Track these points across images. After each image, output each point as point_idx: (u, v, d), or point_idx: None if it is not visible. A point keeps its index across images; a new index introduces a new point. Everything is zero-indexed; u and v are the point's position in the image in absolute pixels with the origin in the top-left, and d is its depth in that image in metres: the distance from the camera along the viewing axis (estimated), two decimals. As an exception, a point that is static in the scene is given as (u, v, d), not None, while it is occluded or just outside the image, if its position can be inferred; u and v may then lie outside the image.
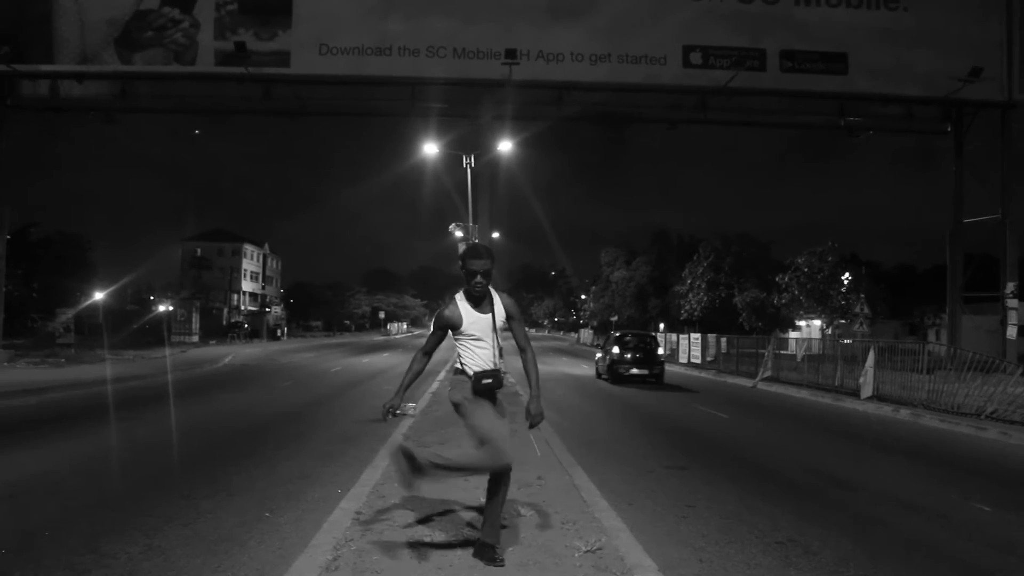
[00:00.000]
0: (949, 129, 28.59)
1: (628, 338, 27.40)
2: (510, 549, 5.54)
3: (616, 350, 26.03)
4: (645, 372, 25.64)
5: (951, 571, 6.05)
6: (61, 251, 53.64)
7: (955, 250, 28.54)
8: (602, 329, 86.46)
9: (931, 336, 48.73)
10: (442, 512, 6.60)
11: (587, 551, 5.51)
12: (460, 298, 5.30)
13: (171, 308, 61.87)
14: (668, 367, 29.82)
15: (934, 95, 26.87)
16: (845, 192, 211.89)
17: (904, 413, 17.08)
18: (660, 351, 27.72)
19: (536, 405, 5.26)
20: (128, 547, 5.89)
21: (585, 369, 34.45)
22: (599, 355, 29.58)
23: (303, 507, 7.26)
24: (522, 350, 5.44)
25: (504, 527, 5.73)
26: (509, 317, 5.36)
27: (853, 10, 26.50)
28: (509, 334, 5.38)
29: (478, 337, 5.27)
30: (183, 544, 6.02)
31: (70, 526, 6.50)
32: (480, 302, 5.28)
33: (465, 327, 5.25)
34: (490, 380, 5.23)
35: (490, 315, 5.27)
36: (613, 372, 25.64)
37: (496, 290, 5.37)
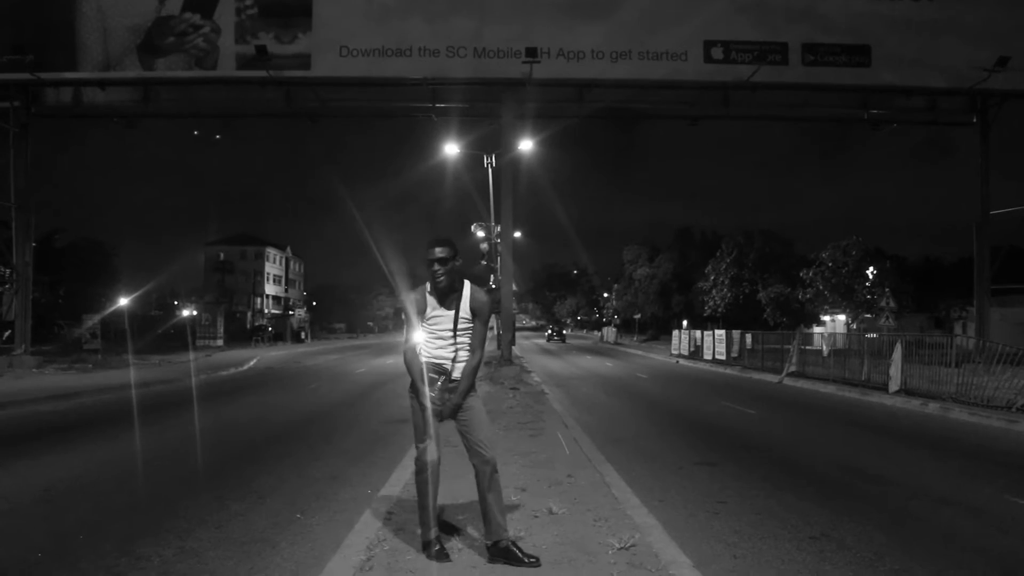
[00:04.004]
0: (975, 120, 28.31)
1: (552, 328, 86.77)
2: (544, 547, 5.52)
3: (550, 331, 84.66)
4: (558, 339, 78.40)
5: (988, 565, 5.97)
6: (86, 257, 53.89)
7: (982, 242, 28.29)
8: (625, 327, 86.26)
9: (957, 329, 48.21)
10: (474, 511, 6.58)
11: (621, 548, 5.48)
12: (427, 289, 5.28)
13: (195, 312, 62.18)
14: (692, 363, 38.40)
15: (959, 86, 26.55)
16: (863, 185, 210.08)
17: (933, 407, 16.90)
18: (565, 332, 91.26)
19: (455, 397, 5.17)
20: (161, 550, 5.92)
21: (610, 367, 34.40)
22: (546, 334, 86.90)
23: (334, 508, 7.27)
24: (471, 351, 5.28)
25: (455, 528, 5.81)
26: (474, 314, 5.26)
27: (876, 1, 26.24)
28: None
29: (438, 333, 5.25)
30: (215, 546, 6.04)
31: (104, 529, 6.54)
32: (445, 296, 5.24)
33: (426, 317, 5.26)
34: (433, 375, 5.20)
35: (453, 312, 5.22)
36: (548, 339, 79.07)
37: (473, 286, 5.30)
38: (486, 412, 5.50)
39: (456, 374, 5.24)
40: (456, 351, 5.24)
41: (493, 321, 45.64)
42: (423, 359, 5.25)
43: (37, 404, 16.76)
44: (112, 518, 6.96)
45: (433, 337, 5.27)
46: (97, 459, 10.18)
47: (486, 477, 5.16)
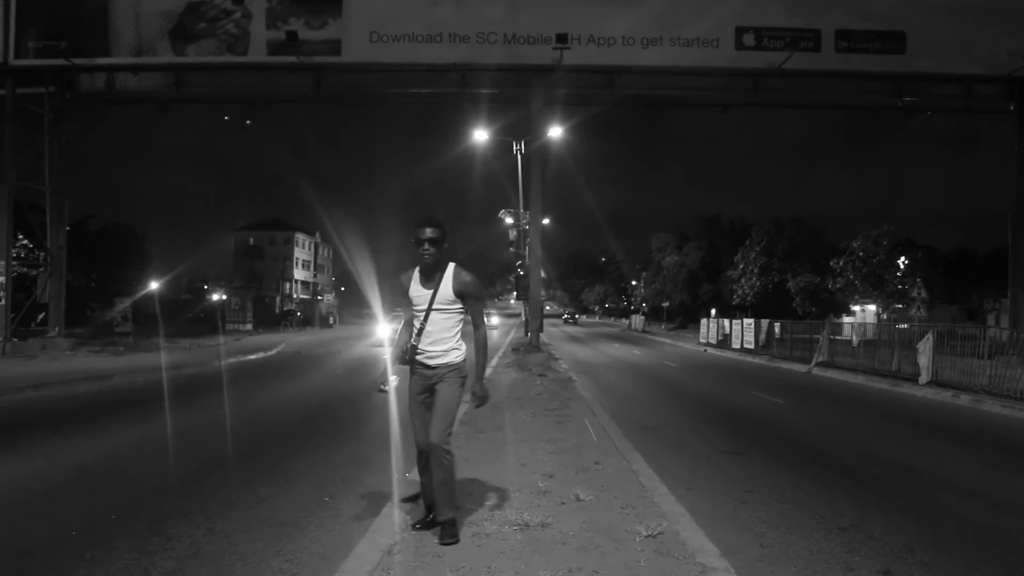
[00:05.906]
0: (1012, 108, 27.79)
1: (567, 315, 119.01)
2: (571, 533, 5.52)
3: (566, 316, 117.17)
4: (572, 322, 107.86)
5: (1020, 559, 5.91)
6: (117, 241, 54.39)
7: (1017, 232, 27.83)
8: (653, 315, 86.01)
9: (990, 321, 47.63)
10: (500, 496, 6.60)
11: (648, 535, 5.48)
12: (417, 269, 5.42)
13: (224, 297, 62.75)
14: (721, 352, 38.20)
15: (997, 73, 26.06)
16: (893, 174, 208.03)
17: (964, 399, 16.73)
18: (577, 316, 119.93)
19: (480, 387, 5.45)
20: (192, 531, 5.98)
21: (638, 355, 34.32)
22: (563, 317, 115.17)
23: (361, 492, 7.29)
24: (475, 327, 5.44)
25: (458, 507, 5.77)
26: (462, 296, 5.33)
27: (911, -13, 25.85)
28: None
29: (414, 312, 5.42)
30: (245, 528, 6.09)
31: (135, 510, 6.62)
32: (430, 275, 5.33)
33: (411, 297, 5.41)
34: (406, 356, 5.45)
35: (431, 292, 5.30)
36: (565, 322, 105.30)
37: (457, 267, 5.37)
38: (458, 404, 5.55)
39: (428, 357, 5.39)
40: (425, 329, 5.36)
41: (520, 307, 45.44)
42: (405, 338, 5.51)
43: (70, 386, 16.95)
44: (143, 499, 7.04)
45: (415, 321, 5.44)
46: (128, 440, 10.30)
47: (427, 457, 5.47)
